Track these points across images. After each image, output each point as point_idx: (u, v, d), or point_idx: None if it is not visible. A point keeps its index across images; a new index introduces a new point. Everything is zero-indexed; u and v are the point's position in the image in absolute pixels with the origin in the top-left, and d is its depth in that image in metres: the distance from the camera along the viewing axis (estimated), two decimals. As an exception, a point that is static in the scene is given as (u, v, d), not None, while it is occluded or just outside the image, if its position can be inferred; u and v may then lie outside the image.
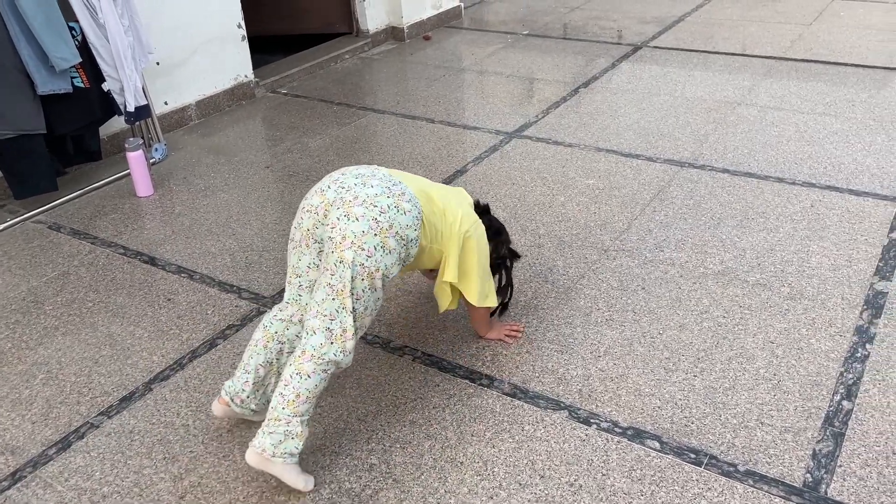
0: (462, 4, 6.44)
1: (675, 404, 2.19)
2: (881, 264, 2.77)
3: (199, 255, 3.08)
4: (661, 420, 2.13)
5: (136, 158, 3.52)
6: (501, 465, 2.02)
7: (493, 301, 2.30)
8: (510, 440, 2.10)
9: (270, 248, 3.12)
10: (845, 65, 4.79)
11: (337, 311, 1.89)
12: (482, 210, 2.35)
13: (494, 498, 1.92)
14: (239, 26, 4.62)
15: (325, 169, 3.80)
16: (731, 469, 1.97)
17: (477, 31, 6.12)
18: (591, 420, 2.15)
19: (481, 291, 2.23)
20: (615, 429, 2.11)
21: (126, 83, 3.52)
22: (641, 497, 1.90)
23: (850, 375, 2.26)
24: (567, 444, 2.07)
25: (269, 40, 5.70)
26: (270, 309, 2.19)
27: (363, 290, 1.90)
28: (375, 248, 1.88)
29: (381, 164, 3.76)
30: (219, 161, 3.97)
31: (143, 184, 3.58)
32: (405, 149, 3.99)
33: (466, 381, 2.32)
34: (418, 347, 2.48)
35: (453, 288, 2.24)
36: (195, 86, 4.46)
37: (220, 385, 2.35)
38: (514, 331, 2.50)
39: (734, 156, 3.67)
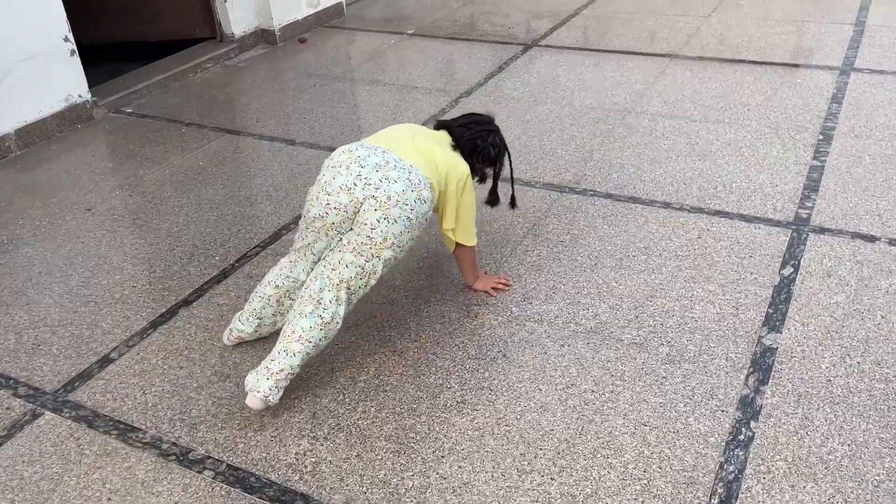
0: (343, 1, 5.91)
1: (526, 522, 1.80)
2: (771, 310, 2.44)
3: (-23, 337, 2.54)
4: (505, 548, 1.74)
5: (-88, 212, 2.92)
6: None
7: (473, 240, 2.44)
8: (318, 591, 1.67)
9: (68, 320, 2.59)
10: (742, 62, 4.50)
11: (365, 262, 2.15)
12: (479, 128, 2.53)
13: None
14: (66, 39, 4.00)
15: (157, 209, 3.27)
16: None
17: (359, 31, 5.61)
18: (422, 553, 1.74)
19: (466, 231, 2.40)
20: (449, 566, 1.71)
21: None
22: None
23: (731, 467, 1.91)
24: None
25: (124, 48, 5.07)
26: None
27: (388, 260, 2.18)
28: (406, 242, 2.17)
29: (224, 201, 3.29)
30: (33, 204, 3.38)
31: (-74, 241, 2.99)
32: (256, 180, 3.49)
33: None
34: (224, 458, 2.02)
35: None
36: (13, 111, 3.84)
37: (-42, 532, 1.85)
38: (502, 283, 2.61)
39: (619, 176, 3.31)
